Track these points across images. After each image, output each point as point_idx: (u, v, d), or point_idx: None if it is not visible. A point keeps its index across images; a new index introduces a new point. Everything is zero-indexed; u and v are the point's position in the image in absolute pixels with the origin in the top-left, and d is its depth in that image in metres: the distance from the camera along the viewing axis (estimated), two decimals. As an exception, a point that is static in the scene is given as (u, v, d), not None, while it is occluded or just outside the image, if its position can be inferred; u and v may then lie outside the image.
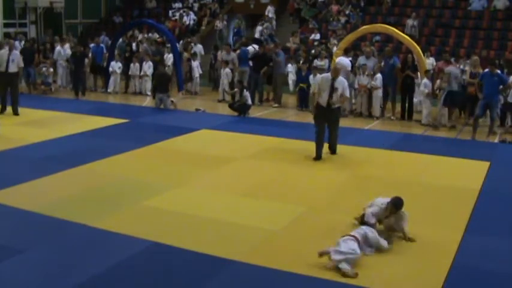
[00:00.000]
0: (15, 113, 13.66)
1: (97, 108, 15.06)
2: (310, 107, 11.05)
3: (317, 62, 16.37)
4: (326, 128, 10.35)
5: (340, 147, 10.67)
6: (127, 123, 13.30)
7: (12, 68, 13.65)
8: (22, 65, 14.30)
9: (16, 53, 13.99)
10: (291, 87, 17.23)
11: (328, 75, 10.44)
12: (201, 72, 18.30)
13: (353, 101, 15.02)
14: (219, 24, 22.89)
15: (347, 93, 10.49)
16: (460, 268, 6.02)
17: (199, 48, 19.56)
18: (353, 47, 16.96)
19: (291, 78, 17.16)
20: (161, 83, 15.28)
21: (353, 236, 6.12)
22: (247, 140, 11.85)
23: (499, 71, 12.82)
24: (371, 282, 5.62)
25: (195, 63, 18.03)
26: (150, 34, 22.05)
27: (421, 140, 12.39)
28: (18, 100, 13.77)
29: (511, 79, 13.40)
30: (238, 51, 17.43)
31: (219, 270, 5.86)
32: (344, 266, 5.76)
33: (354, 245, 5.97)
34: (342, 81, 10.23)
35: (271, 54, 16.50)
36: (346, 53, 14.96)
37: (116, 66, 17.78)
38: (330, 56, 16.65)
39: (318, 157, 10.26)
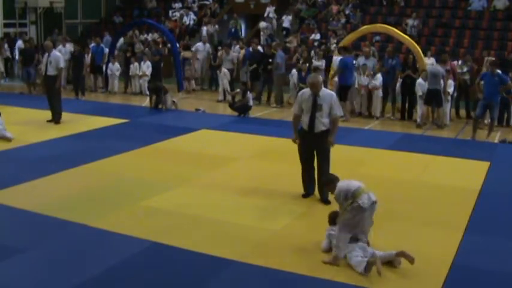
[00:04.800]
0: (55, 121, 12.71)
1: (97, 108, 15.06)
2: (293, 134, 8.16)
3: (315, 62, 16.29)
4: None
5: (339, 148, 10.04)
6: (127, 123, 13.29)
7: (51, 71, 12.54)
8: (62, 65, 12.92)
9: (55, 54, 12.79)
10: (291, 91, 17.17)
11: (308, 90, 7.99)
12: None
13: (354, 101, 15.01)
14: (210, 28, 22.23)
15: (336, 111, 7.93)
16: (460, 268, 6.02)
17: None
18: (353, 46, 16.93)
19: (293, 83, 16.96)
20: (158, 95, 15.18)
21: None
22: (247, 140, 11.84)
23: (499, 71, 12.82)
24: (371, 282, 5.63)
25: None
26: (150, 34, 22.01)
27: (421, 140, 12.38)
28: (58, 107, 12.71)
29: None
30: (242, 51, 17.45)
31: (219, 270, 5.86)
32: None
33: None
34: (327, 96, 7.88)
35: (273, 54, 16.45)
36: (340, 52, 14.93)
37: (114, 68, 17.77)
38: (324, 56, 16.63)
39: (308, 193, 8.22)
